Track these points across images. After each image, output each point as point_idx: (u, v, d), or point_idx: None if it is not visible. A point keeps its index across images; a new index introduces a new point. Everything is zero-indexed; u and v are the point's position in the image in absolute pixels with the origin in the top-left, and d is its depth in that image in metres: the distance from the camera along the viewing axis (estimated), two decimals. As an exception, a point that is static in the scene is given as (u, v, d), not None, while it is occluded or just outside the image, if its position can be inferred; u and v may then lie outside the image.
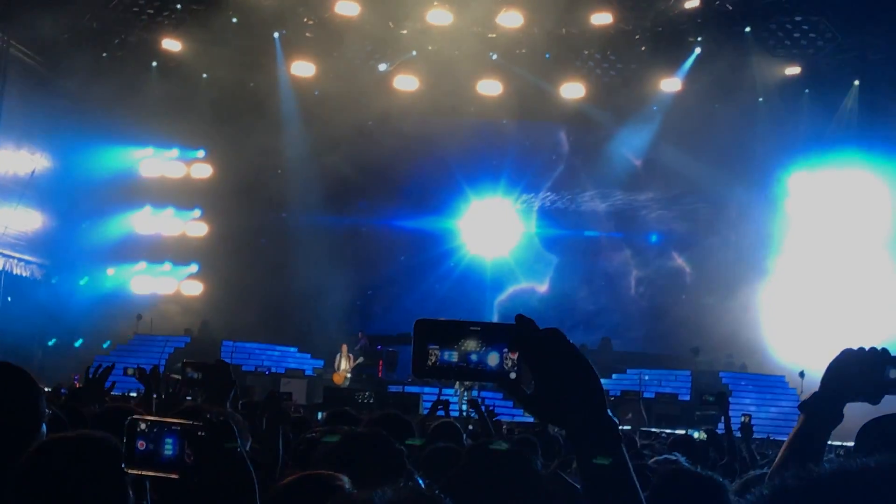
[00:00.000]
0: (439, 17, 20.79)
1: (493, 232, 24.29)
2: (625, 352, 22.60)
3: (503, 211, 24.37)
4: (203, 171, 23.62)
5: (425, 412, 13.57)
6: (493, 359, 1.47)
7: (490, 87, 22.23)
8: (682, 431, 11.08)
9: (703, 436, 7.91)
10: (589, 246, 24.35)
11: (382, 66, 22.55)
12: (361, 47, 22.39)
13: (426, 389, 18.07)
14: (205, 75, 22.12)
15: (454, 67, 21.30)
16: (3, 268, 19.64)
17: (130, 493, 2.33)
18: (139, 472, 2.24)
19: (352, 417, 5.47)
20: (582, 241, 24.38)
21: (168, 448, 2.20)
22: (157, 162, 23.34)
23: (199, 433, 2.20)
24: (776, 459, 2.35)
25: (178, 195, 23.26)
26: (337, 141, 21.98)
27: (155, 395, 5.22)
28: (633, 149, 23.14)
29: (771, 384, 20.58)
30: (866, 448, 2.60)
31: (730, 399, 8.75)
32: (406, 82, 22.25)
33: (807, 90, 21.65)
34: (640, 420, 17.30)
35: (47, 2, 17.97)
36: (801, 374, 17.66)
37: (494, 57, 22.01)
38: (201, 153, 23.58)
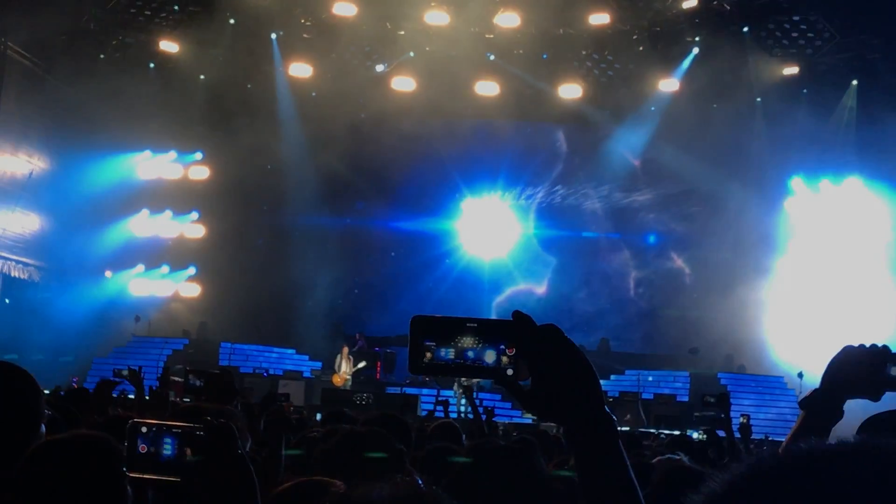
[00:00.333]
0: (436, 17, 20.77)
1: (490, 233, 24.24)
2: (623, 353, 22.58)
3: (501, 212, 24.34)
4: (200, 173, 23.54)
5: (423, 413, 13.61)
6: (489, 355, 1.47)
7: (487, 88, 22.18)
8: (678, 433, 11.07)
9: (703, 436, 7.90)
10: (587, 247, 24.29)
11: (380, 67, 22.53)
12: (359, 48, 22.38)
13: (424, 391, 18.06)
14: (202, 77, 22.06)
15: (451, 68, 21.25)
16: (1, 270, 19.62)
17: (130, 493, 2.32)
18: (141, 476, 2.24)
19: (349, 418, 5.47)
20: (580, 241, 24.33)
21: (168, 450, 2.20)
22: (154, 165, 23.26)
23: (199, 434, 2.19)
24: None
25: (176, 198, 23.19)
26: (335, 142, 21.98)
27: (136, 395, 5.28)
28: (631, 149, 23.10)
29: (769, 385, 20.56)
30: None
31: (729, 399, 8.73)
32: (403, 83, 22.19)
33: (805, 90, 21.59)
34: (639, 421, 17.30)
35: (44, 3, 17.94)
36: (800, 375, 17.64)
37: (492, 57, 21.98)
38: (199, 155, 23.50)
